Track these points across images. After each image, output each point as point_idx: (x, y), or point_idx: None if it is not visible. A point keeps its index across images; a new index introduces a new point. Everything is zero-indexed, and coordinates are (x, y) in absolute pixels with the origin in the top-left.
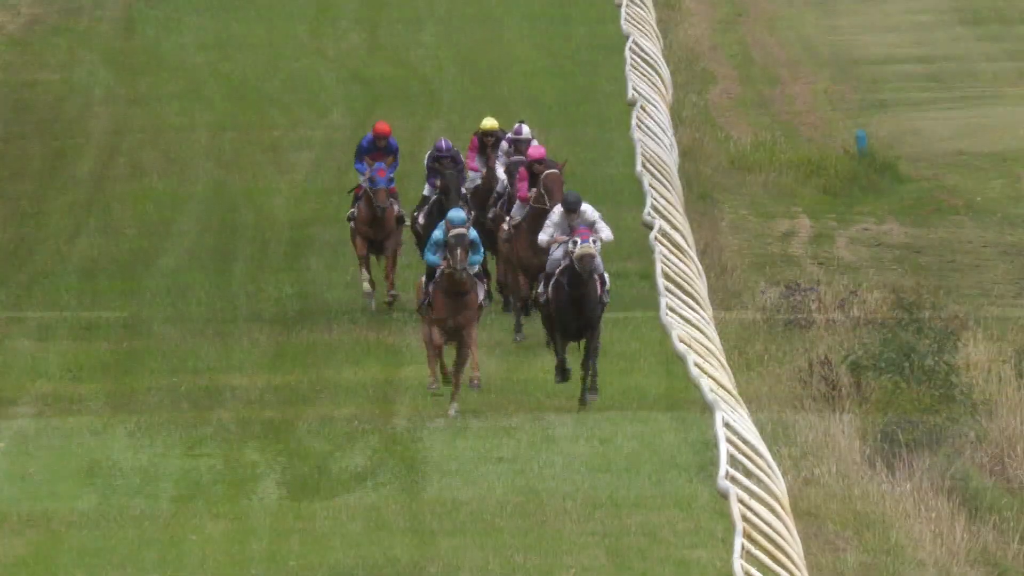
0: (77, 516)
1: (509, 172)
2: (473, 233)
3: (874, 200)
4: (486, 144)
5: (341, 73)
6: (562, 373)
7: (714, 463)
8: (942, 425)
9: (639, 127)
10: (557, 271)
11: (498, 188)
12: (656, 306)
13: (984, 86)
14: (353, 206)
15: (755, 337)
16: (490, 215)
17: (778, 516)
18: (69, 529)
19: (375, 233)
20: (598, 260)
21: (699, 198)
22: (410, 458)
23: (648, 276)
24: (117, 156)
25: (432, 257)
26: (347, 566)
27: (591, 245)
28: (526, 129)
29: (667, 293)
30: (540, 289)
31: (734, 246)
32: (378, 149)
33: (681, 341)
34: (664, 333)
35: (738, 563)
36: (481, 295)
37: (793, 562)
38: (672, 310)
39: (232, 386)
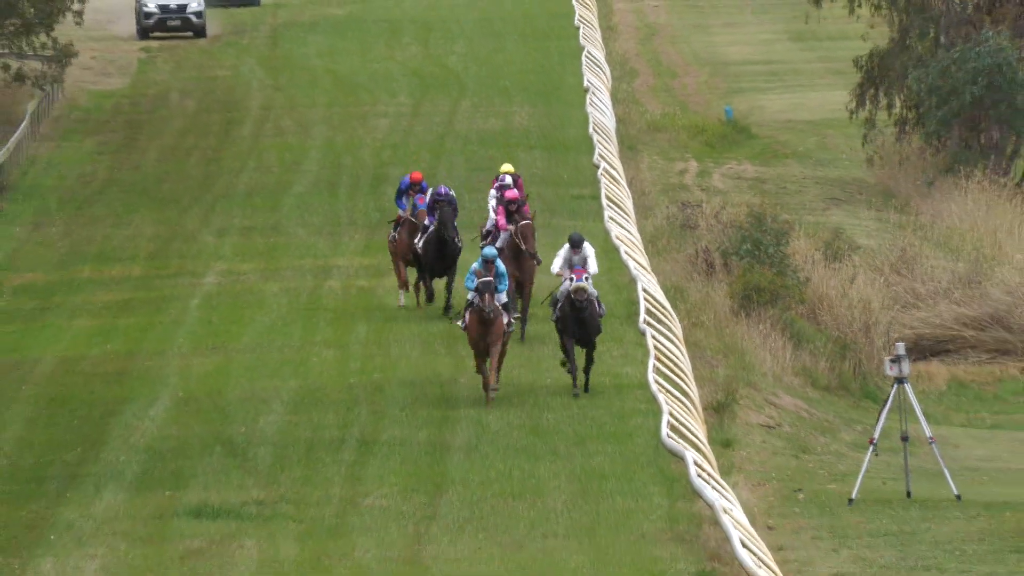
0: (242, 345)
1: (489, 230)
2: (501, 267)
3: (736, 150)
4: (504, 186)
5: (405, 70)
6: (571, 360)
7: (637, 312)
8: (778, 290)
9: (591, 104)
10: (563, 299)
11: (488, 226)
12: (601, 216)
13: (804, 79)
14: (395, 231)
15: (663, 235)
16: (481, 244)
17: (676, 345)
18: (237, 353)
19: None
20: (591, 289)
21: (628, 149)
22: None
23: (596, 198)
24: (266, 123)
25: (470, 284)
26: (409, 376)
27: (584, 282)
28: (508, 179)
29: (608, 207)
30: (552, 311)
31: (650, 178)
32: (412, 191)
33: (617, 238)
34: (606, 232)
35: (651, 374)
36: (506, 320)
37: (685, 373)
38: (612, 219)
39: (338, 266)
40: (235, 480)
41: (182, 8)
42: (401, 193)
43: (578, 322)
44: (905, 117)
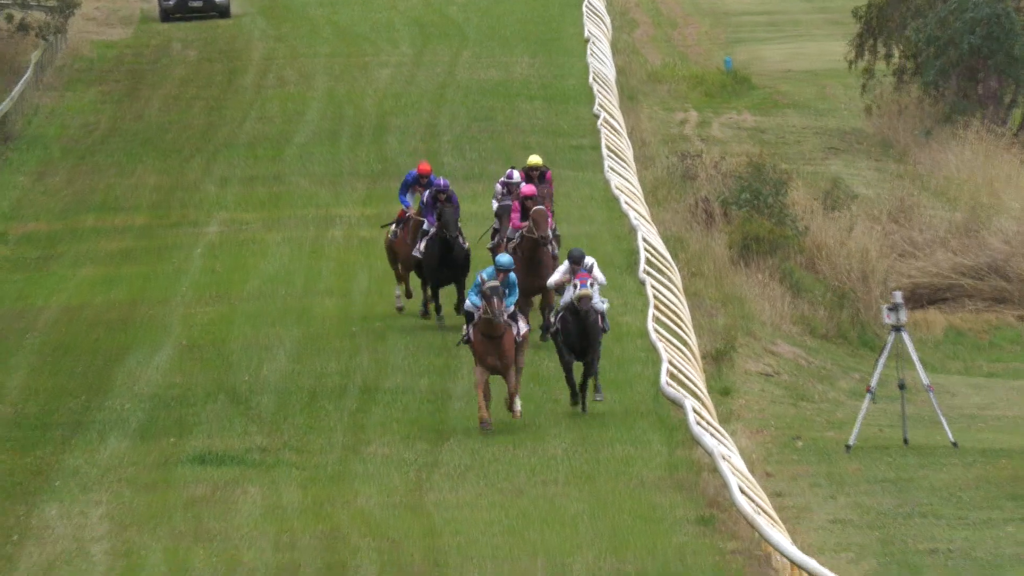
0: (245, 294)
1: (498, 214)
2: (513, 278)
3: (735, 100)
4: (532, 178)
5: (406, 20)
6: (573, 391)
7: (637, 263)
8: (777, 240)
9: (591, 55)
10: (564, 308)
11: (495, 225)
12: (601, 167)
13: (802, 30)
14: (396, 227)
15: (662, 185)
16: (489, 246)
17: (676, 295)
18: (240, 302)
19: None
20: (595, 300)
21: (628, 99)
22: None
23: (596, 148)
24: (268, 72)
25: (474, 298)
26: (411, 325)
27: (588, 288)
28: (516, 174)
29: (608, 158)
30: (552, 320)
31: (650, 129)
32: (420, 185)
33: (617, 188)
34: (606, 182)
35: (651, 323)
36: (516, 330)
37: (684, 322)
38: (612, 168)
39: (340, 215)
40: (238, 427)
41: None
42: (407, 186)
43: (579, 334)
44: (903, 67)
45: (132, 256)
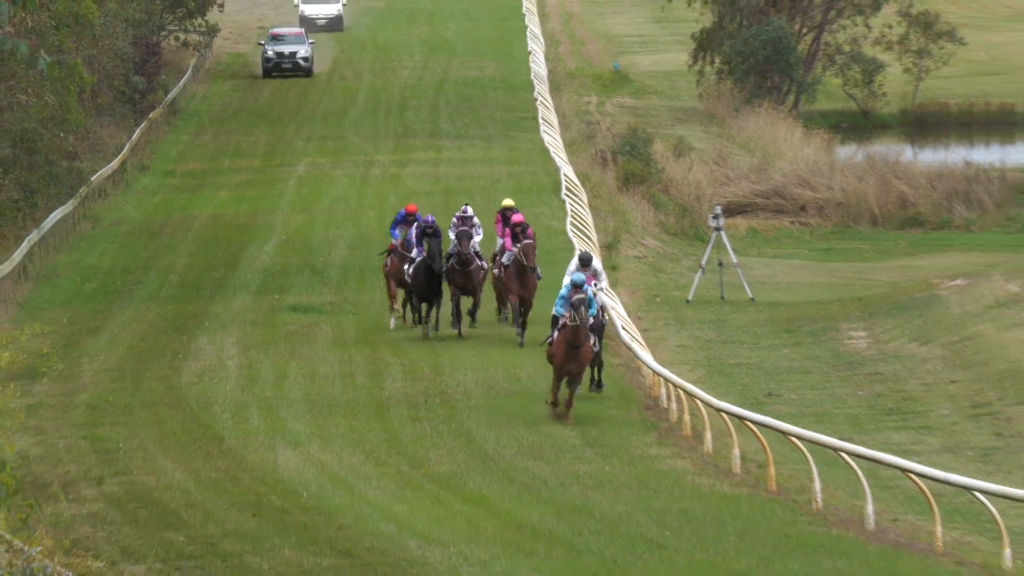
0: (321, 208)
1: (458, 238)
2: (590, 292)
3: (620, 89)
4: (507, 217)
5: (418, 40)
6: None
7: (559, 188)
8: (645, 175)
9: (532, 61)
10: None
11: (450, 249)
12: (538, 130)
13: (661, 46)
14: (387, 258)
15: (576, 143)
16: (444, 268)
17: (583, 208)
18: (318, 213)
19: (402, 277)
20: (601, 297)
21: (555, 89)
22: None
23: (535, 118)
24: (334, 72)
25: (560, 309)
26: None
27: (593, 287)
28: (470, 209)
29: (542, 124)
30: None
31: (568, 107)
32: (407, 223)
33: (548, 144)
34: (541, 139)
35: (568, 226)
36: (592, 341)
37: (588, 225)
38: (545, 131)
39: (377, 160)
40: (316, 289)
41: (293, 55)
42: (397, 223)
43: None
44: (722, 69)
45: (252, 184)
